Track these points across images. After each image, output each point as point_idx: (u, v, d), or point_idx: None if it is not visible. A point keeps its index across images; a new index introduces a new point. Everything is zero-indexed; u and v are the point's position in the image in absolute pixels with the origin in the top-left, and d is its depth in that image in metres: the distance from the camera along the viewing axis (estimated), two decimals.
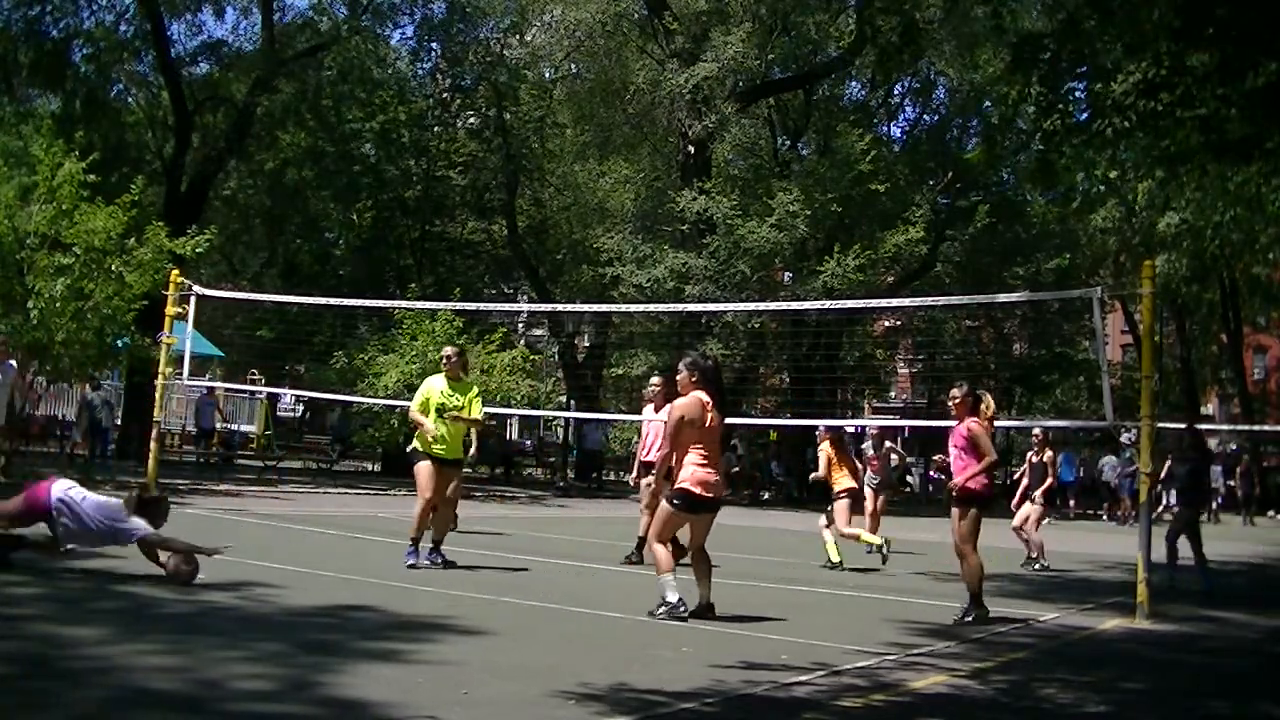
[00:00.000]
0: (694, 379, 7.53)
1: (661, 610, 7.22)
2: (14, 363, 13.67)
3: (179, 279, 14.22)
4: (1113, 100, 8.70)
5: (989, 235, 27.91)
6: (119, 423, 23.16)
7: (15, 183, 14.87)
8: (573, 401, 32.44)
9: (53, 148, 14.79)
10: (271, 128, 28.68)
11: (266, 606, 6.71)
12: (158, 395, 14.32)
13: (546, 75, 31.46)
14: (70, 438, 21.71)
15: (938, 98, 32.00)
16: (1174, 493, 16.53)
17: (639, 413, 13.02)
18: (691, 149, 26.39)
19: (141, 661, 5.01)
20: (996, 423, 13.99)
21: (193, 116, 26.11)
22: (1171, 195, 16.00)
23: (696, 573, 7.52)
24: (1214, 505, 28.51)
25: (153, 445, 13.95)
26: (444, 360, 9.73)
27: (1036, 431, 13.94)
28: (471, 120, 33.13)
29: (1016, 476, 16.18)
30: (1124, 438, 22.84)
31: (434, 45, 31.48)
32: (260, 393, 27.24)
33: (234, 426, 27.24)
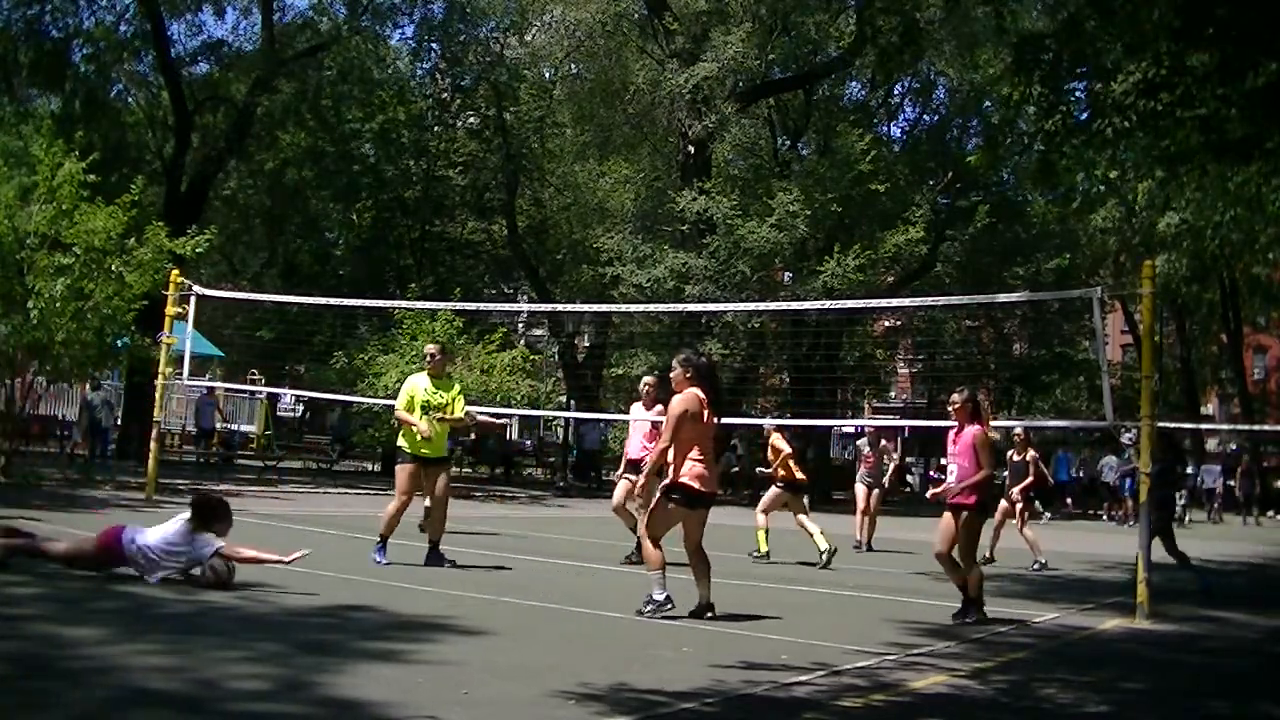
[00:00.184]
0: (689, 375, 7.54)
1: (649, 608, 7.21)
2: None
3: (179, 279, 14.25)
4: (1113, 100, 8.70)
5: (989, 235, 27.88)
6: (118, 422, 23.17)
7: (15, 183, 14.84)
8: (572, 401, 32.45)
9: (53, 148, 14.77)
10: (271, 128, 28.68)
11: (266, 606, 6.71)
12: (158, 395, 14.35)
13: (546, 75, 31.45)
14: (70, 438, 21.73)
15: (938, 98, 31.99)
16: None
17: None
18: (691, 149, 26.38)
19: (141, 661, 5.01)
20: (996, 422, 14.02)
21: (193, 116, 26.11)
22: (1171, 195, 15.99)
23: (695, 573, 7.51)
24: (1215, 505, 28.59)
25: (153, 445, 13.98)
26: (427, 359, 9.73)
27: (1018, 430, 13.95)
28: (471, 120, 33.12)
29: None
30: (1124, 438, 22.85)
31: (434, 45, 31.47)
32: (260, 393, 27.25)
33: (234, 426, 27.25)
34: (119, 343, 15.78)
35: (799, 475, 12.13)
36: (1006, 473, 13.41)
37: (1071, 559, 14.00)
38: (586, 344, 33.87)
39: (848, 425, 29.08)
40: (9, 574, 7.05)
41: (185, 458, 22.91)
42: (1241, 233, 15.60)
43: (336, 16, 27.67)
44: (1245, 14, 8.26)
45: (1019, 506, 13.08)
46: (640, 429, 10.81)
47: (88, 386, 19.94)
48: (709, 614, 7.34)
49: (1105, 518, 26.87)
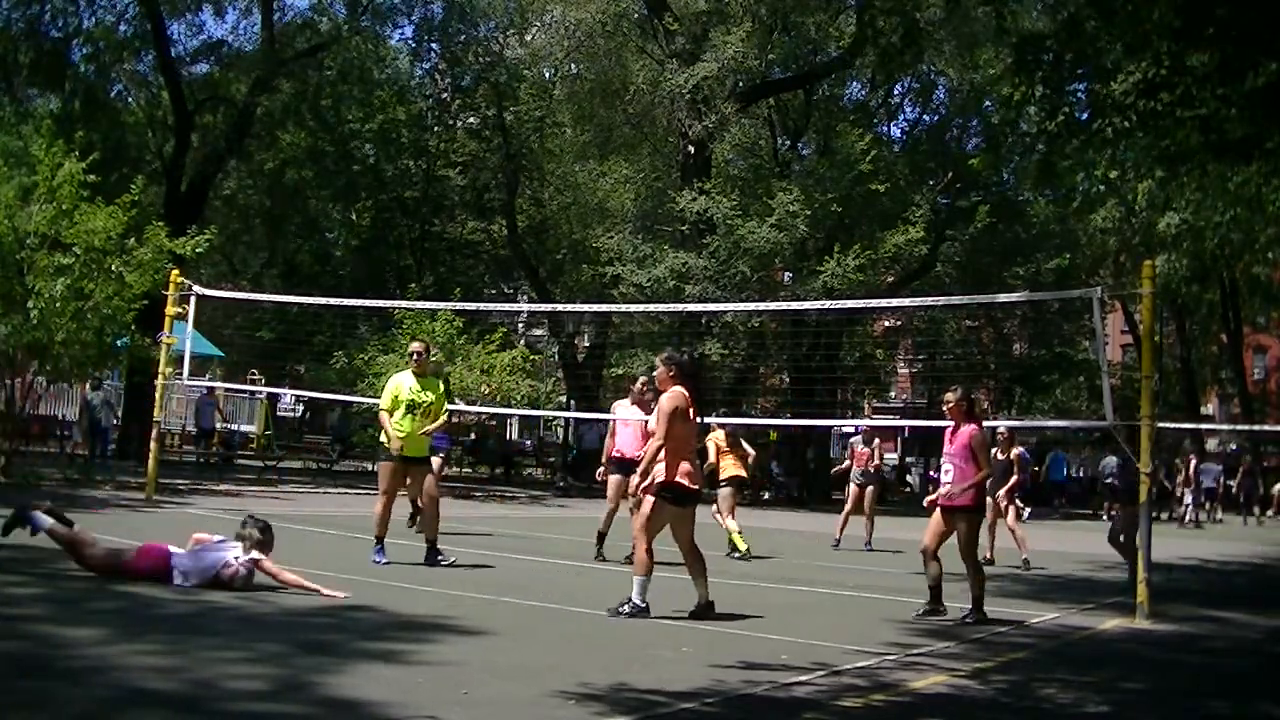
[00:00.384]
0: (672, 373, 7.56)
1: (626, 607, 7.19)
2: None
3: (179, 279, 14.25)
4: (1113, 100, 8.70)
5: (989, 235, 27.87)
6: (117, 422, 23.17)
7: (15, 183, 14.83)
8: (573, 401, 32.44)
9: (53, 148, 14.76)
10: (271, 128, 28.69)
11: (266, 607, 6.71)
12: (158, 395, 14.34)
13: (546, 75, 31.45)
14: (71, 438, 21.73)
15: (938, 98, 31.97)
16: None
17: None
18: (691, 149, 26.37)
19: (140, 662, 5.01)
20: (996, 422, 14.02)
21: (193, 116, 26.10)
22: (1171, 195, 15.96)
23: (692, 572, 7.50)
24: (1214, 505, 28.55)
25: (153, 445, 13.98)
26: (412, 356, 9.72)
27: (1002, 430, 13.96)
28: (471, 120, 33.13)
29: None
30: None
31: (433, 46, 31.50)
32: (260, 393, 27.24)
33: (234, 426, 27.23)
34: (119, 343, 15.77)
35: (743, 472, 12.46)
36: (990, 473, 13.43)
37: (1071, 559, 14.00)
38: (586, 344, 33.87)
39: (847, 425, 28.99)
40: (9, 574, 7.05)
41: (185, 458, 22.89)
42: (1241, 233, 15.59)
43: (336, 16, 27.67)
44: (1245, 14, 8.25)
45: (1004, 504, 13.12)
46: (631, 426, 10.84)
47: (88, 386, 19.94)
48: (710, 613, 7.33)
49: (1105, 518, 26.86)
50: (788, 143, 30.95)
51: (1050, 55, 9.16)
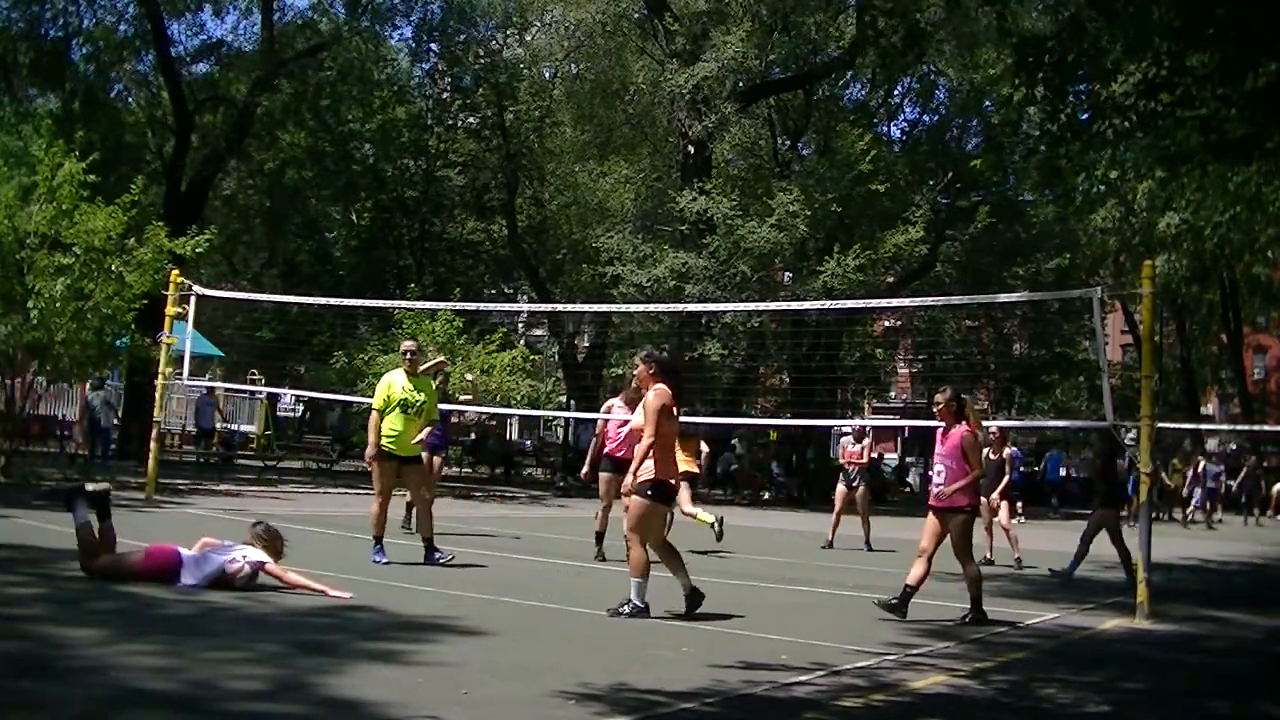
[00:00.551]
0: (652, 371, 7.56)
1: (626, 608, 7.20)
2: None
3: (179, 279, 14.24)
4: (1113, 101, 8.70)
5: (989, 235, 27.87)
6: (118, 422, 23.16)
7: (15, 183, 14.82)
8: (572, 401, 32.44)
9: (53, 148, 14.75)
10: (271, 128, 28.68)
11: (266, 607, 6.71)
12: (158, 395, 14.34)
13: (546, 75, 31.46)
14: (71, 438, 21.72)
15: (938, 98, 32.00)
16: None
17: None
18: (691, 149, 26.37)
19: (139, 662, 5.01)
20: (996, 422, 14.00)
21: (193, 116, 26.10)
22: (1172, 195, 15.98)
23: (670, 567, 7.50)
24: (1209, 505, 28.50)
25: (153, 445, 13.98)
26: (405, 355, 9.71)
27: (993, 429, 13.95)
28: (471, 120, 33.14)
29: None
30: (1129, 438, 22.85)
31: (432, 46, 31.50)
32: (260, 393, 27.24)
33: (234, 426, 27.23)
34: (119, 343, 15.77)
35: (695, 468, 12.52)
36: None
37: (1071, 559, 13.97)
38: (586, 344, 33.88)
39: (847, 425, 28.99)
40: (9, 574, 7.05)
41: (185, 458, 22.88)
42: (1241, 233, 15.59)
43: (336, 17, 27.68)
44: (1245, 14, 8.25)
45: (997, 504, 13.14)
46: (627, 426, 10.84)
47: (88, 386, 19.93)
48: (699, 599, 7.32)
49: None
50: (788, 143, 30.96)
51: (1052, 56, 9.15)
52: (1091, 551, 11.59)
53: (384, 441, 9.32)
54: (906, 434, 38.89)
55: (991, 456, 13.33)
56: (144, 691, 4.52)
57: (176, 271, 14.47)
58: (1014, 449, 14.65)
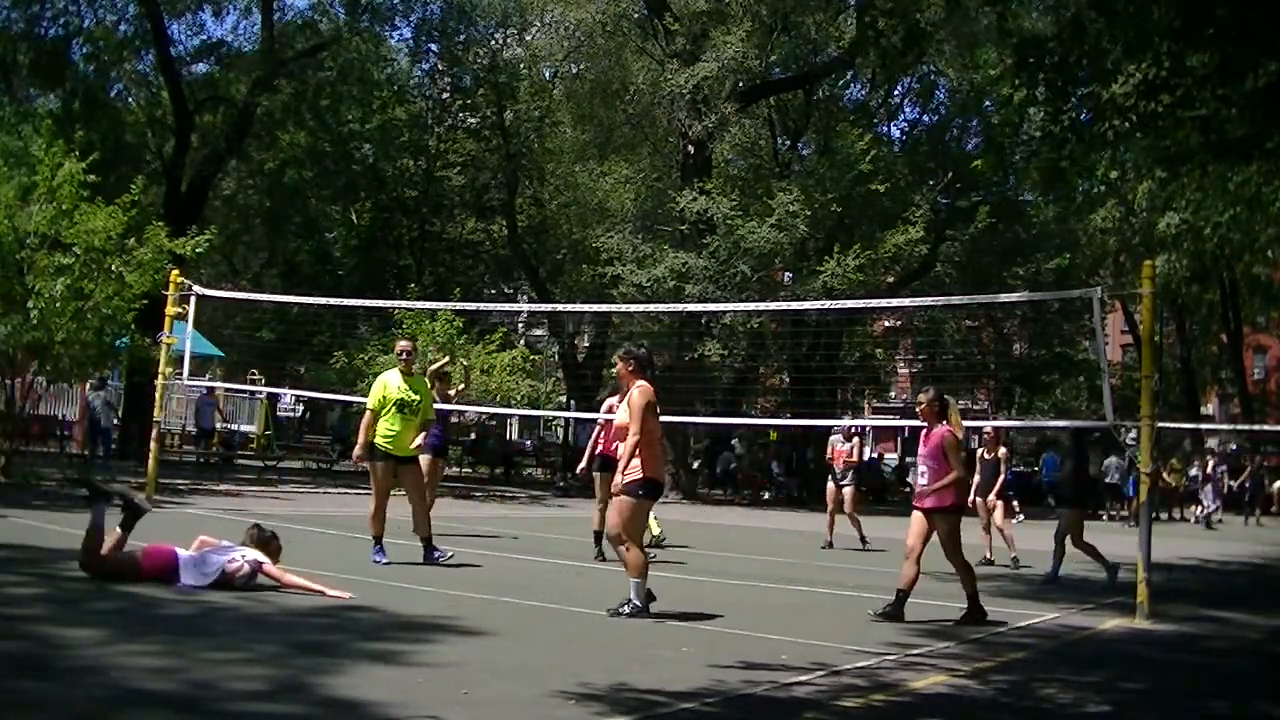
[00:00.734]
0: (631, 368, 7.57)
1: (626, 608, 7.20)
2: None
3: (179, 279, 14.23)
4: (1114, 102, 8.70)
5: (989, 235, 27.88)
6: (117, 422, 23.17)
7: (15, 183, 14.83)
8: (572, 401, 32.45)
9: (53, 148, 14.76)
10: (271, 128, 28.69)
11: (265, 607, 6.71)
12: (158, 395, 14.33)
13: (546, 75, 31.44)
14: (72, 437, 21.74)
15: (938, 98, 32.00)
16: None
17: None
18: (691, 149, 26.37)
19: (140, 662, 5.01)
20: (994, 422, 13.98)
21: (193, 116, 26.10)
22: (1172, 195, 15.99)
23: (638, 569, 7.43)
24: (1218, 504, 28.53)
25: (153, 445, 13.97)
26: (400, 355, 9.68)
27: (988, 429, 13.93)
28: (471, 120, 33.14)
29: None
30: (1130, 438, 22.89)
31: (431, 46, 31.50)
32: (260, 393, 27.25)
33: (234, 426, 27.24)
34: (119, 343, 15.77)
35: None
36: (977, 474, 13.49)
37: (1072, 559, 13.94)
38: (586, 344, 33.88)
39: (838, 425, 28.98)
40: (9, 574, 7.05)
41: (185, 458, 22.89)
42: (1241, 233, 15.60)
43: (336, 17, 27.67)
44: (1245, 14, 8.25)
45: (994, 504, 13.15)
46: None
47: (88, 386, 19.94)
48: (645, 614, 7.25)
49: (1105, 518, 26.88)
50: (788, 143, 30.96)
51: (1053, 57, 9.15)
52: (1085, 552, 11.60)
53: (381, 442, 9.31)
54: (906, 434, 38.88)
55: (986, 456, 13.34)
56: (144, 692, 4.52)
57: (176, 271, 14.46)
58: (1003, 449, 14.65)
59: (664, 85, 25.56)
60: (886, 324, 33.36)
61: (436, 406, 10.46)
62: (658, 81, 25.97)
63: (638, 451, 7.29)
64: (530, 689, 5.05)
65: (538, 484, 29.74)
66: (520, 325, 38.50)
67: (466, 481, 26.49)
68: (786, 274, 28.31)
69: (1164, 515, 25.79)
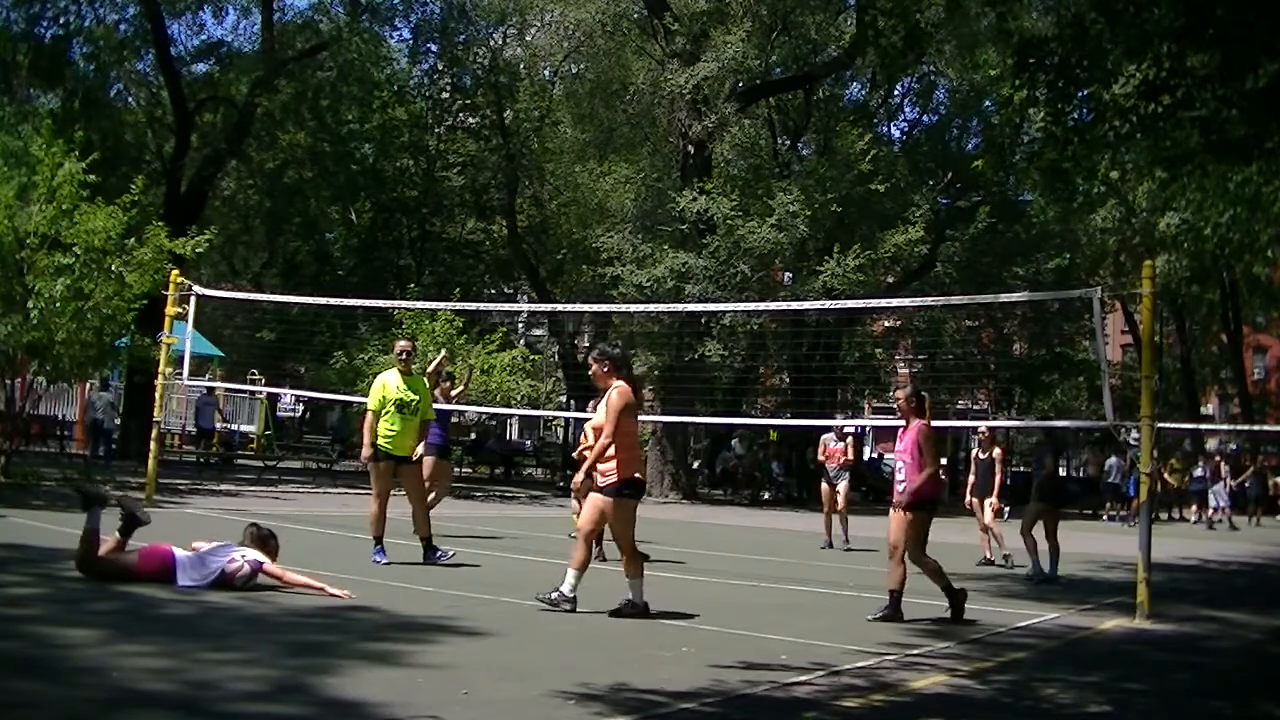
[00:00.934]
0: (606, 369, 7.56)
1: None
2: None
3: (179, 279, 14.24)
4: (1114, 103, 8.69)
5: (989, 235, 27.89)
6: (118, 422, 23.17)
7: (15, 183, 14.82)
8: (573, 401, 32.45)
9: (53, 148, 14.74)
10: (271, 128, 28.69)
11: (266, 607, 6.70)
12: (158, 395, 14.33)
13: (546, 75, 31.45)
14: (72, 437, 21.75)
15: (938, 98, 32.01)
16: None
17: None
18: (691, 149, 26.36)
19: (139, 662, 5.00)
20: (992, 422, 13.93)
21: (193, 116, 26.10)
22: (1172, 196, 15.98)
23: (578, 558, 7.38)
24: (1211, 507, 28.54)
25: (153, 445, 13.97)
26: (400, 355, 9.67)
27: (982, 429, 13.92)
28: (471, 121, 33.15)
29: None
30: (1132, 438, 22.91)
31: (431, 46, 31.49)
32: (260, 393, 27.25)
33: (234, 426, 27.24)
34: (119, 343, 15.77)
35: None
36: (973, 475, 13.52)
37: (1072, 559, 13.95)
38: (586, 344, 33.88)
39: (847, 425, 28.92)
40: (9, 574, 7.04)
41: (185, 458, 22.89)
42: (1241, 233, 15.58)
43: (336, 17, 27.67)
44: (1245, 14, 8.25)
45: (998, 505, 13.16)
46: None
47: (89, 386, 19.94)
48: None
49: (1106, 518, 26.89)
50: (788, 143, 30.96)
51: (1055, 58, 9.14)
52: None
53: (381, 442, 9.31)
54: None
55: (981, 456, 13.34)
56: (143, 692, 4.52)
57: (176, 271, 14.47)
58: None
59: (664, 85, 25.56)
60: (886, 324, 33.37)
61: (437, 407, 10.47)
62: (658, 81, 25.97)
63: (613, 453, 7.27)
64: (530, 689, 5.05)
65: (538, 484, 29.74)
66: (520, 325, 38.51)
67: (466, 481, 26.49)
68: (786, 274, 28.31)
69: (1164, 515, 25.78)
